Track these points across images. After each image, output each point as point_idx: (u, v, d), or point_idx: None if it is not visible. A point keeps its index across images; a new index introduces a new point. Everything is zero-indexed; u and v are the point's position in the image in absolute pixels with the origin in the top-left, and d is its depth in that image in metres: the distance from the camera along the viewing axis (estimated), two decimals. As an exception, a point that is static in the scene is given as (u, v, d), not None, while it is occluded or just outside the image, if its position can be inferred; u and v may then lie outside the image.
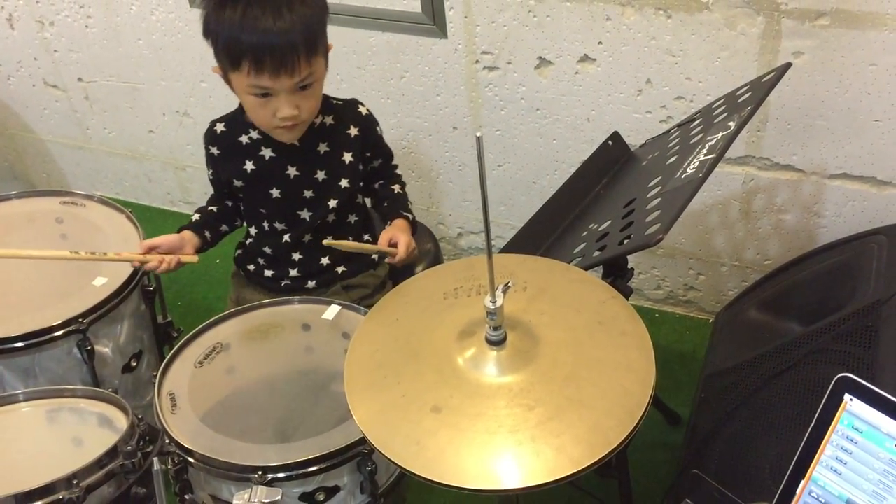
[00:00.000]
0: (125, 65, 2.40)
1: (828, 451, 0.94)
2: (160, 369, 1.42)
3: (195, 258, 1.61)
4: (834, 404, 0.91)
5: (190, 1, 2.19)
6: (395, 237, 1.56)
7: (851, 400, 0.91)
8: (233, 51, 1.40)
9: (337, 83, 2.16)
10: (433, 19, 1.97)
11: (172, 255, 1.55)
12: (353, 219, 1.66)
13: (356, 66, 2.12)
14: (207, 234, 1.65)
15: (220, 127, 1.61)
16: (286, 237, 1.63)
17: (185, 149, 2.52)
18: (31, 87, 2.58)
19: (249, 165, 1.58)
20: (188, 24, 2.23)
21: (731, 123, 1.35)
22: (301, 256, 1.65)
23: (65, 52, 2.45)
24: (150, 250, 1.54)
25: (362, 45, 2.07)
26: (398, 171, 1.73)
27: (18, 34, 2.46)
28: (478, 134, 0.92)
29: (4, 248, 1.46)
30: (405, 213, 1.64)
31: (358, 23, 2.04)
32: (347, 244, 1.50)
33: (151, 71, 2.37)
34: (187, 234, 1.62)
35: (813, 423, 0.93)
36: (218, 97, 2.32)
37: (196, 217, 1.67)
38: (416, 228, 1.65)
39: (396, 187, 1.70)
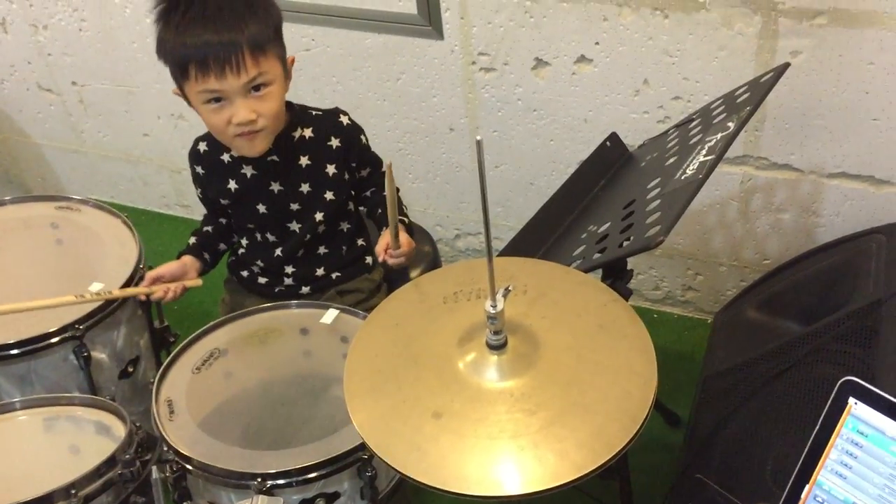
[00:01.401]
0: (119, 68, 2.39)
1: (832, 456, 0.94)
2: (158, 375, 1.42)
3: (199, 282, 1.64)
4: (838, 408, 0.91)
5: (184, 3, 2.18)
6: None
7: (856, 404, 0.90)
8: (178, 60, 1.39)
9: (333, 85, 2.15)
10: (429, 20, 1.96)
11: (177, 282, 1.59)
12: (345, 226, 1.65)
13: (352, 67, 2.11)
14: (207, 255, 1.66)
15: (202, 146, 1.60)
16: (278, 251, 1.62)
17: (180, 152, 2.50)
18: (25, 90, 2.56)
19: (233, 184, 1.57)
20: (182, 27, 2.21)
21: (731, 124, 1.35)
22: (294, 270, 1.64)
23: (59, 55, 2.44)
24: (154, 281, 1.58)
25: (358, 47, 2.07)
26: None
27: (12, 38, 2.45)
28: (478, 138, 0.91)
29: (9, 304, 1.46)
30: (401, 217, 1.62)
31: (353, 24, 2.03)
32: (392, 188, 1.39)
33: (146, 74, 2.36)
34: (188, 259, 1.63)
35: (817, 427, 0.93)
36: (213, 100, 2.31)
37: (193, 240, 1.67)
38: (412, 231, 1.63)
39: None
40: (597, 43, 1.84)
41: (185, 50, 1.37)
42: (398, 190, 1.69)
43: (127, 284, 1.63)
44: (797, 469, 0.96)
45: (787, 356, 1.49)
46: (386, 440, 1.03)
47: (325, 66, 2.13)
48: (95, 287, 1.60)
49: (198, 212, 2.63)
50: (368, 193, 1.66)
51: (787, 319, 1.68)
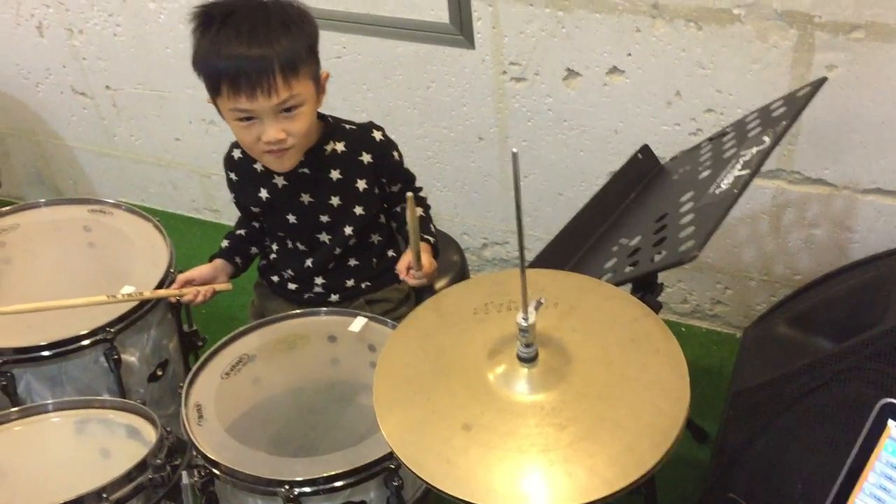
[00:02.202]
0: (152, 73, 2.42)
1: (870, 479, 0.92)
2: (187, 380, 1.42)
3: (229, 286, 1.64)
4: (877, 430, 0.89)
5: (218, 10, 2.20)
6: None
7: None
8: (211, 76, 1.40)
9: (363, 93, 2.16)
10: (461, 30, 1.96)
11: (207, 286, 1.60)
12: (376, 238, 1.64)
13: (382, 75, 2.11)
14: (238, 259, 1.67)
15: (237, 153, 1.61)
16: (308, 261, 1.62)
17: (211, 156, 2.53)
18: (59, 94, 2.60)
19: (264, 193, 1.58)
20: (216, 33, 2.23)
21: (766, 138, 1.34)
22: (325, 281, 1.64)
23: (93, 59, 2.47)
24: (185, 284, 1.59)
25: (389, 56, 2.07)
26: (422, 195, 1.69)
27: (48, 42, 2.48)
28: (514, 150, 0.91)
29: (45, 302, 1.49)
30: (427, 237, 1.60)
31: (385, 33, 2.04)
32: (415, 217, 1.39)
33: (178, 79, 2.39)
34: (219, 262, 1.64)
35: (855, 450, 0.91)
36: (244, 106, 2.33)
37: (225, 243, 1.68)
38: (437, 252, 1.63)
39: (419, 211, 1.66)
40: (629, 54, 1.84)
41: (218, 67, 1.38)
42: (429, 208, 1.69)
43: (158, 287, 1.65)
44: (834, 492, 0.95)
45: (818, 374, 1.47)
46: (415, 451, 1.03)
47: (355, 73, 2.14)
48: (126, 290, 1.62)
49: (226, 216, 2.66)
50: (399, 209, 1.66)
51: (818, 336, 1.66)
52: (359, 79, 2.14)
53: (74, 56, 2.49)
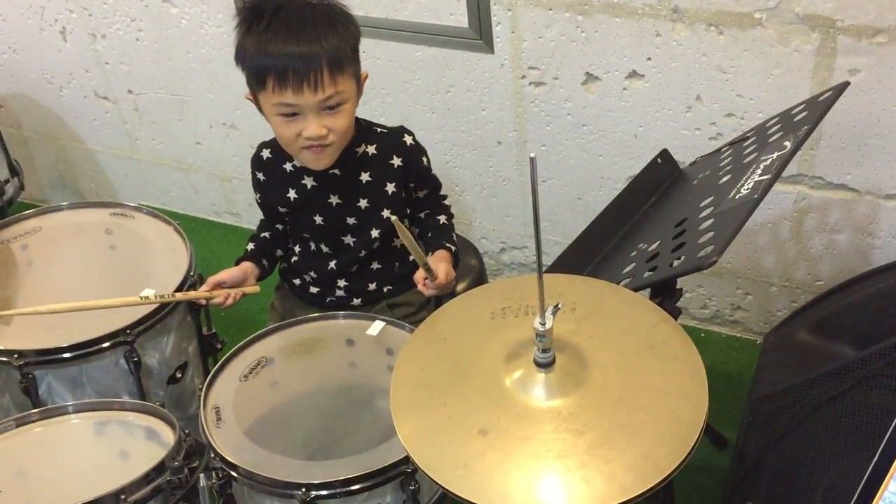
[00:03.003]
0: (174, 77, 2.44)
1: (891, 488, 0.91)
2: (206, 382, 1.43)
3: (257, 288, 1.64)
4: (899, 439, 0.88)
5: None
6: (435, 266, 1.52)
7: (917, 434, 0.88)
8: (258, 69, 1.42)
9: (382, 97, 2.16)
10: (480, 34, 1.96)
11: (237, 288, 1.60)
12: (398, 243, 1.64)
13: (402, 80, 2.12)
14: (265, 262, 1.67)
15: (266, 153, 1.62)
16: (332, 264, 1.62)
17: (231, 160, 2.55)
18: (83, 98, 2.62)
19: (292, 193, 1.58)
20: (236, 38, 2.25)
21: (787, 143, 1.32)
22: (347, 283, 1.65)
23: (116, 64, 2.49)
24: (215, 286, 1.59)
25: (408, 60, 2.08)
26: (446, 202, 1.69)
27: (71, 46, 2.51)
28: (532, 155, 0.91)
29: (77, 302, 1.51)
30: (448, 245, 1.60)
31: (404, 37, 2.04)
32: (407, 236, 1.36)
33: (200, 84, 2.40)
34: (248, 265, 1.64)
35: (876, 458, 0.90)
36: (264, 110, 2.34)
37: (251, 246, 1.68)
38: (458, 261, 1.62)
39: (442, 218, 1.66)
40: (649, 58, 1.83)
41: (266, 61, 1.40)
42: (452, 216, 1.69)
43: (178, 290, 1.66)
44: (854, 501, 0.94)
45: (840, 381, 1.45)
46: (431, 455, 1.03)
47: (375, 77, 2.13)
48: (147, 293, 1.63)
49: (246, 220, 2.68)
50: (422, 216, 1.67)
51: (840, 343, 1.64)
52: (378, 83, 2.15)
53: (97, 61, 2.51)
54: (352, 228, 1.59)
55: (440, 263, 1.53)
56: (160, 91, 2.50)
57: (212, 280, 1.59)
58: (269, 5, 1.41)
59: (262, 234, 1.70)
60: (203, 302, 1.62)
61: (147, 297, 1.56)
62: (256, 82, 1.43)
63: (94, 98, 2.61)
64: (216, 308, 1.63)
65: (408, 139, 1.60)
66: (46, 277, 1.80)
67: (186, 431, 1.39)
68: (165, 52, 2.39)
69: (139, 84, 2.51)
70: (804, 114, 1.44)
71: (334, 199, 1.57)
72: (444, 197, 1.70)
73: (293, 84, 1.38)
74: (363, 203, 1.57)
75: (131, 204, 1.91)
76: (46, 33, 2.51)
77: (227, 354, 1.50)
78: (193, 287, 1.70)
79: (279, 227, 1.70)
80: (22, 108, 2.74)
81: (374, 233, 1.59)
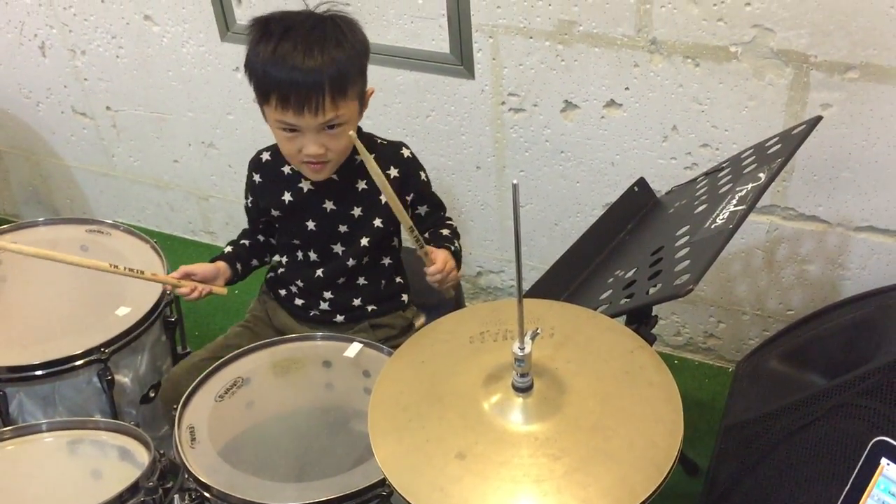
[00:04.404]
0: (154, 95, 2.43)
1: (862, 515, 0.93)
2: (181, 401, 1.42)
3: (224, 291, 1.64)
4: (870, 469, 0.90)
5: (221, 35, 2.22)
6: (434, 252, 1.53)
7: (888, 464, 0.89)
8: (263, 85, 1.45)
9: (363, 121, 2.17)
10: (461, 60, 1.99)
11: (205, 284, 1.59)
12: (386, 261, 1.66)
13: (382, 103, 2.13)
14: (239, 266, 1.68)
15: (265, 155, 1.64)
16: (319, 272, 1.63)
17: (209, 179, 2.54)
18: (60, 113, 2.61)
19: (288, 196, 1.60)
20: (218, 58, 2.25)
21: (762, 175, 1.35)
22: (333, 297, 1.65)
23: (95, 80, 2.49)
24: (185, 276, 1.58)
25: (389, 83, 2.09)
26: (451, 223, 1.70)
27: (50, 62, 2.50)
28: (514, 181, 0.92)
29: (50, 251, 1.48)
30: (448, 245, 1.62)
31: (386, 61, 2.06)
32: (372, 165, 1.35)
33: (179, 102, 2.40)
34: (221, 265, 1.64)
35: (847, 487, 0.92)
36: (243, 130, 2.34)
37: (228, 249, 1.69)
38: (459, 263, 1.63)
39: (445, 231, 1.67)
40: (627, 88, 1.86)
41: (271, 79, 1.42)
42: (458, 236, 1.69)
43: (153, 310, 1.65)
44: (825, 528, 0.95)
45: (810, 409, 1.47)
46: (409, 479, 1.03)
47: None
48: (122, 311, 1.62)
49: (223, 239, 2.67)
50: (427, 235, 1.66)
51: (810, 372, 1.66)
52: (359, 106, 2.16)
53: (76, 77, 2.50)
54: (342, 237, 1.60)
55: (440, 252, 1.54)
56: (139, 108, 2.49)
57: (183, 269, 1.58)
58: (279, 26, 1.43)
59: (242, 241, 1.71)
60: (169, 288, 1.60)
61: (116, 267, 1.52)
62: (261, 98, 1.47)
63: (71, 114, 2.60)
64: (182, 297, 1.60)
65: (405, 152, 1.63)
66: (20, 294, 1.79)
67: (161, 451, 1.38)
68: (145, 69, 2.39)
69: (118, 101, 2.51)
70: (778, 146, 1.47)
71: (329, 205, 1.59)
72: (449, 218, 1.72)
73: (294, 106, 1.41)
74: (357, 211, 1.59)
75: (108, 221, 1.90)
76: (25, 48, 2.50)
77: (203, 374, 1.49)
78: (169, 306, 1.69)
79: (261, 238, 1.70)
80: (-3, 122, 2.72)
81: (364, 241, 1.60)
